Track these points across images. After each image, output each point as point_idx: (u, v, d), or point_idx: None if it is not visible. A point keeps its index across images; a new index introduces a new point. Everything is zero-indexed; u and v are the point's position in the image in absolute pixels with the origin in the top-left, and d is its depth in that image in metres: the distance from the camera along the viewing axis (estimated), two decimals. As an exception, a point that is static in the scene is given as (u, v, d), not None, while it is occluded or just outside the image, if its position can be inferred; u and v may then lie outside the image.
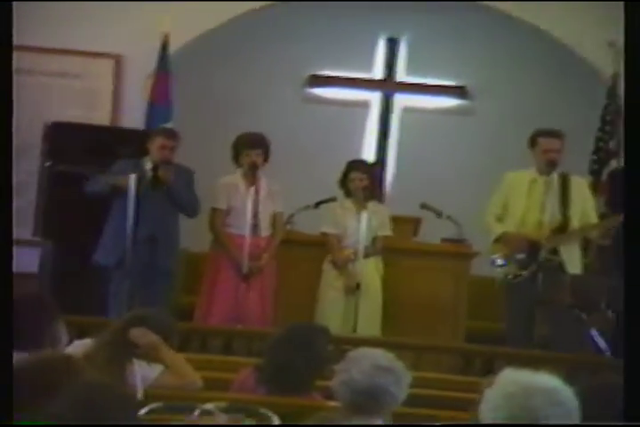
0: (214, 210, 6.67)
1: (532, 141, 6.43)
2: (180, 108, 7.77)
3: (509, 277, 6.39)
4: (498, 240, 6.46)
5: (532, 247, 6.32)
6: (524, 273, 6.34)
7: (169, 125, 7.34)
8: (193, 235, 6.81)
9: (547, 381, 2.81)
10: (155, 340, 4.06)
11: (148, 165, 6.44)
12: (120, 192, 6.18)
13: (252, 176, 6.57)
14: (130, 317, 4.22)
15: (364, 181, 6.69)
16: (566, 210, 6.34)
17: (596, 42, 7.67)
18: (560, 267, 6.26)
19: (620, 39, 7.54)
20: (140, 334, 4.05)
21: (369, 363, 3.28)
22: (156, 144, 6.41)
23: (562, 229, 6.29)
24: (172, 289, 6.68)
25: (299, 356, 4.09)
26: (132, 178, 6.15)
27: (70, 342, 4.05)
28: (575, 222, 6.37)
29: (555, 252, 6.27)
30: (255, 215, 6.49)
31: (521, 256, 6.36)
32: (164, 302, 6.28)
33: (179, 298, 7.07)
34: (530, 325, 6.16)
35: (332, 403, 3.48)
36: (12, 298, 3.05)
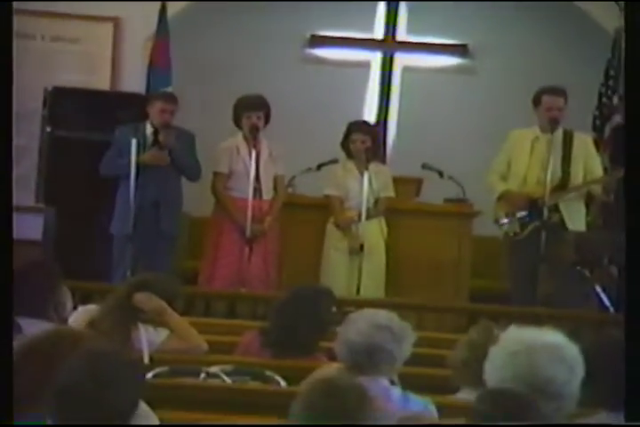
0: (216, 174, 6.66)
1: (536, 99, 6.40)
2: (179, 71, 7.72)
3: (511, 234, 6.41)
4: (500, 198, 6.47)
5: (533, 205, 6.32)
6: (525, 231, 6.35)
7: (169, 90, 7.31)
8: (195, 199, 6.82)
9: (550, 338, 2.82)
10: (159, 304, 4.08)
11: (149, 129, 6.43)
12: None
13: (253, 139, 6.55)
14: (134, 281, 4.24)
15: (366, 142, 6.67)
16: (568, 167, 6.33)
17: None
18: (562, 224, 6.26)
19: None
20: (144, 299, 4.06)
21: (366, 322, 3.30)
22: (155, 108, 6.39)
23: (563, 186, 6.29)
24: (176, 254, 6.70)
25: (303, 318, 4.11)
26: (134, 142, 6.15)
27: (74, 307, 4.07)
28: (578, 179, 6.36)
29: (556, 209, 6.27)
30: (257, 178, 6.49)
31: (522, 214, 6.37)
32: (168, 266, 6.30)
33: (182, 262, 7.08)
34: (533, 283, 6.18)
35: (337, 364, 3.50)
36: (11, 273, 3.04)
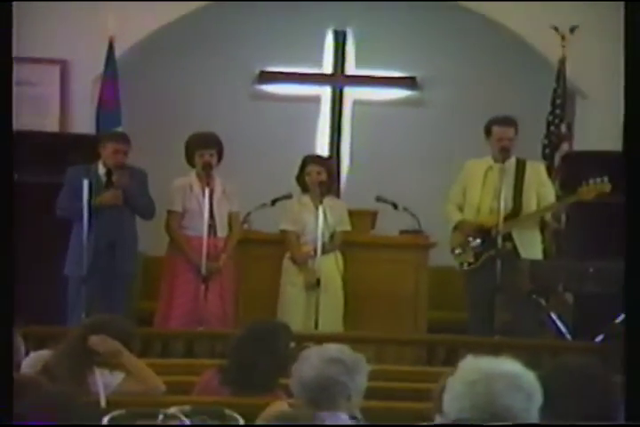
0: (170, 212, 6.63)
1: (487, 130, 6.47)
2: (129, 110, 7.71)
3: (465, 264, 6.45)
4: (456, 228, 6.51)
5: (486, 234, 6.36)
6: (480, 260, 6.38)
7: (119, 129, 7.30)
8: (149, 238, 6.78)
9: (507, 366, 2.82)
10: (114, 346, 4.03)
11: (101, 170, 6.40)
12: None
13: (206, 176, 6.54)
14: (88, 324, 4.18)
15: (321, 175, 6.69)
16: (520, 196, 6.39)
17: (542, 27, 7.71)
18: (515, 252, 6.30)
19: (565, 23, 7.63)
20: (99, 342, 4.01)
21: (317, 357, 3.28)
22: (108, 149, 6.36)
23: (515, 214, 6.33)
24: (131, 294, 6.64)
25: (261, 355, 4.08)
26: (86, 184, 6.11)
27: (27, 353, 4.01)
28: (531, 207, 6.41)
29: (510, 238, 6.30)
30: (211, 216, 6.47)
31: (476, 244, 6.41)
32: (124, 307, 6.24)
33: (137, 302, 7.03)
34: (490, 312, 6.19)
35: (293, 400, 3.47)
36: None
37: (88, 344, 4.02)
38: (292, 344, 4.23)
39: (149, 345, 5.63)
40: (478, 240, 6.41)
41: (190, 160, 6.63)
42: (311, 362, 3.28)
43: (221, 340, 5.51)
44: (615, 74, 7.84)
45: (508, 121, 6.45)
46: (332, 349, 3.33)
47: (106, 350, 4.02)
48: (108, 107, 7.55)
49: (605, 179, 6.15)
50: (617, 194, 6.70)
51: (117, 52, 7.60)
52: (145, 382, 4.05)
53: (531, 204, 6.42)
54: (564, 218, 6.37)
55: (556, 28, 7.64)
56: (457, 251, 6.50)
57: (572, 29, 7.64)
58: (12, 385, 2.46)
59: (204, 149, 6.56)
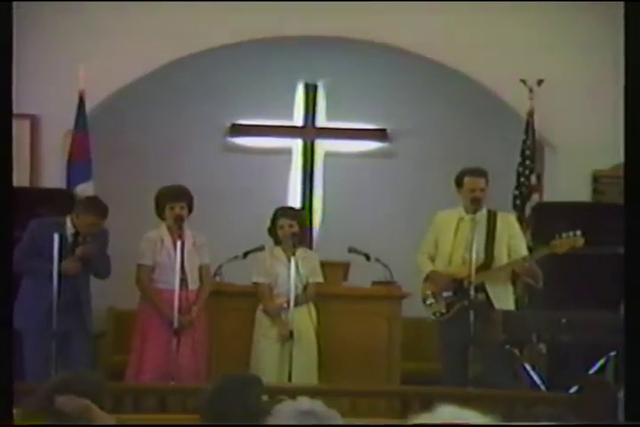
0: (140, 266, 6.59)
1: (458, 181, 6.49)
2: (100, 164, 7.71)
3: (437, 315, 6.44)
4: (427, 279, 6.50)
5: (458, 285, 6.36)
6: (451, 311, 6.37)
7: (89, 183, 7.28)
8: (120, 292, 6.73)
9: (472, 416, 2.77)
10: (82, 405, 3.95)
11: (70, 229, 6.33)
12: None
13: (176, 229, 6.52)
14: (54, 383, 4.10)
15: (293, 227, 6.69)
16: (492, 247, 6.40)
17: (511, 80, 7.81)
18: (489, 303, 6.30)
19: (533, 76, 7.74)
20: (66, 402, 3.93)
21: (290, 411, 3.24)
22: (85, 219, 6.27)
23: (487, 265, 6.34)
24: (102, 348, 6.57)
25: (233, 408, 4.02)
26: (56, 237, 6.06)
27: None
28: (502, 258, 6.42)
29: (482, 289, 6.30)
30: (182, 269, 6.43)
31: (447, 295, 6.41)
32: (89, 362, 6.17)
33: (108, 357, 6.95)
34: (464, 363, 6.17)
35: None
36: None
37: (55, 405, 3.94)
38: (265, 397, 4.19)
39: (121, 400, 5.56)
40: (450, 291, 6.41)
41: (161, 213, 6.62)
42: (284, 417, 3.23)
43: (194, 394, 5.44)
44: (583, 125, 7.98)
45: (479, 172, 6.49)
46: (306, 403, 3.29)
47: (74, 410, 3.94)
48: (78, 160, 7.53)
49: (578, 232, 6.17)
50: (586, 244, 6.76)
51: (88, 107, 7.61)
52: (116, 439, 3.98)
53: (502, 255, 6.43)
54: (541, 276, 6.35)
55: (523, 81, 7.74)
56: (428, 301, 6.49)
57: (540, 82, 7.74)
58: (12, 386, 2.41)
59: (174, 202, 6.55)
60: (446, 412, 2.76)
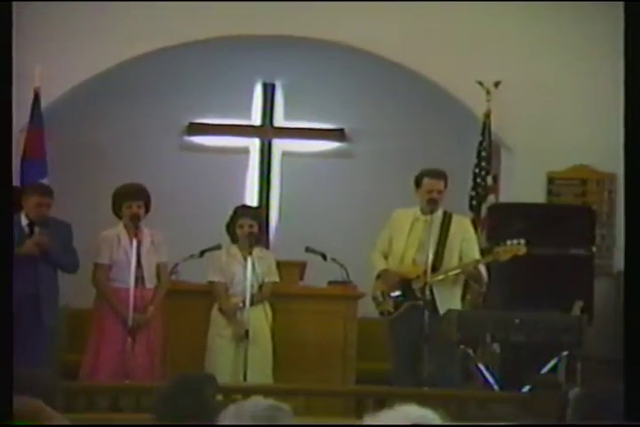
0: (97, 265, 6.57)
1: (417, 181, 6.51)
2: (56, 162, 7.65)
3: (384, 314, 6.45)
4: (379, 277, 6.51)
5: (406, 285, 6.38)
6: (399, 310, 6.38)
7: (44, 181, 7.23)
8: (76, 291, 6.69)
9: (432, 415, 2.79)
10: (34, 406, 3.92)
11: (24, 221, 6.32)
12: None
13: (133, 228, 6.51)
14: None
15: (252, 227, 6.69)
16: (443, 249, 6.42)
17: (468, 81, 7.86)
18: (433, 305, 6.30)
19: (489, 78, 7.80)
20: (17, 403, 3.90)
21: (238, 414, 3.23)
22: (31, 202, 6.30)
23: (436, 267, 6.35)
24: (56, 347, 6.53)
25: (187, 407, 4.02)
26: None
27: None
28: (452, 261, 6.43)
29: (430, 291, 6.29)
30: (139, 267, 6.41)
31: (395, 294, 6.42)
32: (47, 360, 6.13)
33: (63, 356, 6.91)
34: (414, 362, 6.19)
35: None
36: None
37: None
38: (219, 396, 4.19)
39: (74, 400, 5.53)
40: (399, 290, 6.42)
41: (118, 212, 6.60)
42: (233, 419, 3.23)
43: (148, 393, 5.43)
44: (538, 127, 8.05)
45: (438, 174, 6.51)
46: (247, 413, 3.26)
47: (25, 411, 3.91)
48: (33, 158, 7.47)
49: (522, 241, 6.22)
50: (541, 246, 6.83)
51: (43, 104, 7.55)
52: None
53: (453, 257, 6.45)
54: (485, 280, 6.39)
55: (480, 83, 7.79)
56: (378, 299, 6.50)
57: (497, 84, 7.80)
58: (11, 385, 2.39)
59: (131, 201, 6.53)
60: (408, 411, 2.78)
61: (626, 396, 2.94)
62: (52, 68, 7.45)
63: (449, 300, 6.39)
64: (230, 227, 6.76)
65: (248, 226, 6.67)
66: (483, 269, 6.37)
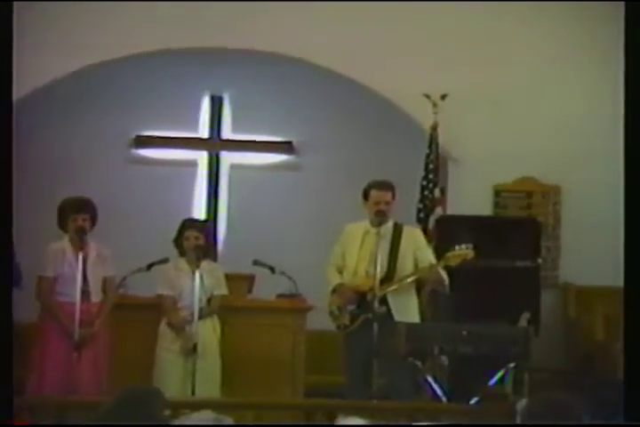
0: (41, 278, 6.49)
1: (365, 194, 6.54)
2: (1, 174, 7.56)
3: (341, 328, 6.48)
4: (334, 291, 6.53)
5: (361, 298, 6.40)
6: (356, 323, 6.41)
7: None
8: (19, 304, 6.60)
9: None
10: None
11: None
12: None
13: (79, 241, 6.45)
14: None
15: (199, 239, 6.66)
16: (395, 260, 6.46)
17: (414, 95, 7.91)
18: (390, 316, 6.35)
19: (436, 91, 7.86)
20: None
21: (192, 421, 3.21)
22: None
23: (389, 278, 6.39)
24: None
25: (134, 421, 3.98)
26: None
27: None
28: (406, 271, 6.47)
29: (385, 302, 6.34)
30: (85, 281, 6.35)
31: (351, 307, 6.45)
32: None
33: (8, 371, 6.81)
34: (368, 375, 6.20)
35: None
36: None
37: None
38: (167, 411, 4.15)
39: (19, 415, 5.44)
40: (354, 303, 6.44)
41: (63, 225, 6.54)
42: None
43: (94, 408, 5.36)
44: (485, 140, 8.12)
45: (385, 185, 6.54)
46: (194, 419, 3.25)
47: None
48: (-22, 170, 7.38)
49: (470, 246, 6.29)
50: (487, 258, 6.88)
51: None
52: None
53: (406, 268, 6.49)
54: (447, 282, 6.45)
55: (427, 96, 7.84)
56: (334, 313, 6.52)
57: (443, 97, 7.86)
58: (11, 385, 2.35)
59: (77, 214, 6.48)
60: (351, 423, 2.79)
61: (626, 396, 2.96)
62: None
63: (405, 309, 6.43)
64: (177, 240, 6.73)
65: (194, 238, 6.65)
66: (442, 272, 6.41)
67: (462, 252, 6.29)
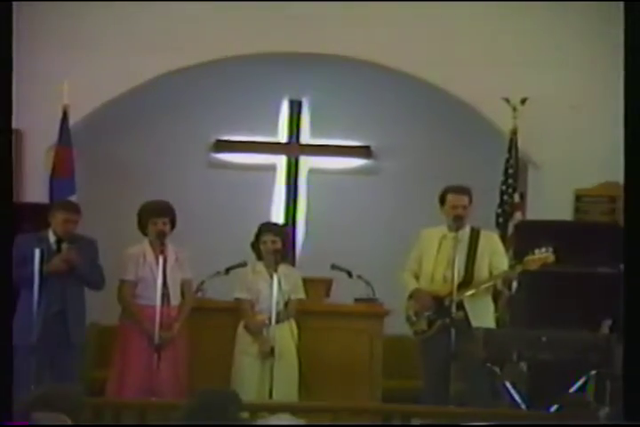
0: (122, 282, 6.58)
1: (441, 198, 6.52)
2: (84, 179, 7.70)
3: (419, 333, 6.45)
4: (411, 297, 6.51)
5: (439, 303, 6.37)
6: (433, 329, 6.38)
7: (73, 198, 7.27)
8: (102, 307, 6.71)
9: None
10: (60, 421, 3.91)
11: (52, 238, 6.35)
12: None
13: (159, 245, 6.51)
14: (32, 399, 4.06)
15: (276, 243, 6.68)
16: (472, 265, 6.41)
17: (494, 98, 7.85)
18: (467, 321, 6.30)
19: (516, 95, 7.78)
20: (42, 418, 3.89)
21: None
22: (58, 218, 6.33)
23: (467, 283, 6.35)
24: (83, 363, 6.54)
25: (211, 424, 4.01)
26: (37, 252, 6.06)
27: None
28: (482, 276, 6.42)
29: (462, 306, 6.30)
30: (164, 284, 6.41)
31: (428, 312, 6.42)
32: (74, 376, 6.15)
33: (90, 373, 6.92)
34: (445, 381, 6.16)
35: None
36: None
37: (32, 421, 3.90)
38: (245, 414, 4.17)
39: (101, 416, 5.53)
40: (432, 309, 6.41)
41: (143, 228, 6.61)
42: None
43: (174, 410, 5.41)
44: (566, 144, 8.02)
45: (462, 189, 6.51)
46: (271, 422, 3.24)
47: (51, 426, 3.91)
48: (61, 175, 7.52)
49: (550, 249, 6.22)
50: (568, 263, 6.78)
51: (72, 121, 7.61)
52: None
53: (483, 273, 6.44)
54: (515, 285, 6.39)
55: (507, 100, 7.77)
56: (412, 319, 6.50)
57: (524, 101, 7.78)
58: (11, 386, 2.39)
59: (157, 218, 6.55)
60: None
61: (626, 396, 2.91)
62: (81, 85, 7.49)
63: (482, 314, 6.40)
64: (255, 244, 6.76)
65: (271, 242, 6.67)
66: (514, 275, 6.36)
67: (542, 255, 6.22)
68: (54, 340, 6.18)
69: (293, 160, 8.77)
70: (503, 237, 7.47)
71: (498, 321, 6.65)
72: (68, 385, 4.89)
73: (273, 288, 6.46)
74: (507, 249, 7.20)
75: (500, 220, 7.82)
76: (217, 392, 4.28)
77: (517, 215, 7.81)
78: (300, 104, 8.77)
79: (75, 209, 6.41)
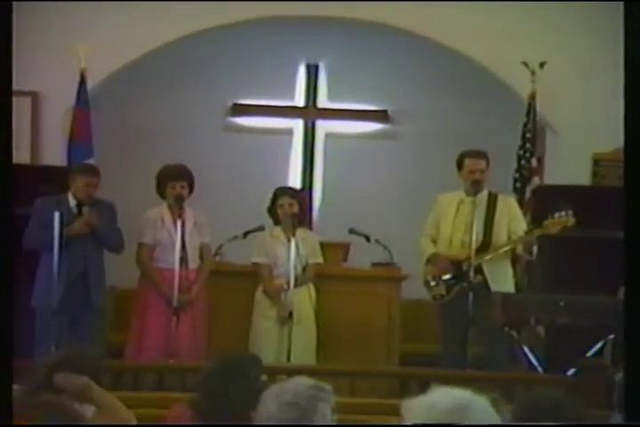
0: (141, 245, 6.60)
1: (459, 163, 6.50)
2: (101, 142, 7.70)
3: (438, 297, 6.45)
4: (429, 261, 6.51)
5: (457, 268, 6.37)
6: (452, 293, 6.38)
7: (90, 161, 7.28)
8: (120, 271, 6.74)
9: (466, 396, 2.75)
10: (81, 383, 3.94)
11: (72, 202, 6.37)
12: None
13: (177, 208, 6.52)
14: (53, 361, 4.10)
15: (293, 206, 6.68)
16: (490, 229, 6.40)
17: (512, 62, 7.79)
18: (485, 285, 6.31)
19: (534, 59, 7.72)
20: (64, 380, 3.93)
21: (273, 402, 3.19)
22: (79, 182, 6.35)
23: (485, 248, 6.34)
24: (102, 326, 6.59)
25: (231, 388, 4.04)
26: (57, 216, 6.08)
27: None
28: (501, 241, 6.42)
29: (480, 271, 6.31)
30: (183, 248, 6.43)
31: (447, 277, 6.42)
32: (95, 339, 6.20)
33: (108, 335, 6.98)
34: (463, 345, 6.18)
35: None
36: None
37: (54, 382, 3.94)
38: (264, 377, 4.20)
39: (120, 378, 5.58)
40: (450, 273, 6.42)
41: (161, 192, 6.62)
42: (267, 408, 3.21)
43: (192, 373, 5.46)
44: (584, 108, 7.96)
45: (479, 154, 6.49)
46: (288, 392, 3.24)
47: (72, 388, 3.95)
48: (79, 139, 7.52)
49: (570, 212, 6.19)
50: (586, 227, 6.77)
51: (89, 84, 7.59)
52: (115, 417, 3.99)
53: (501, 237, 6.44)
54: (535, 250, 6.38)
55: (525, 64, 7.71)
56: (430, 283, 6.51)
57: (542, 65, 7.72)
58: (11, 384, 2.42)
59: (175, 181, 6.56)
60: (441, 393, 2.76)
61: (626, 396, 2.92)
62: (98, 48, 7.46)
63: (501, 279, 6.40)
64: (272, 208, 6.76)
65: (288, 205, 6.66)
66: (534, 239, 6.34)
67: (563, 219, 6.19)
68: (75, 302, 6.23)
69: (310, 124, 8.74)
70: (520, 202, 7.44)
71: (516, 285, 6.65)
72: (89, 347, 4.93)
73: (291, 252, 6.47)
74: (524, 214, 7.18)
75: (518, 184, 7.79)
76: (238, 357, 4.31)
77: (535, 180, 7.78)
78: (317, 68, 8.73)
79: (95, 173, 6.43)
